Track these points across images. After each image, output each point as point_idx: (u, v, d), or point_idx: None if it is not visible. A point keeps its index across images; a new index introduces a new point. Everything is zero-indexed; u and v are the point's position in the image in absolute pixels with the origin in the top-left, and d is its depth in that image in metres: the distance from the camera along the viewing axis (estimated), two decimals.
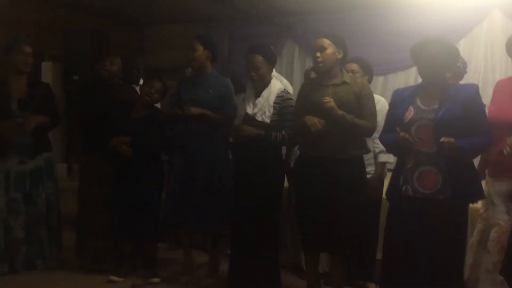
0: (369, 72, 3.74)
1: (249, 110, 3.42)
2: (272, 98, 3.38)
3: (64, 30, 6.77)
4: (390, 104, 2.98)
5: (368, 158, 3.45)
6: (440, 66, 2.74)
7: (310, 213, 3.18)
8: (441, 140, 2.55)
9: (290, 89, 4.25)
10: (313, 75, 3.96)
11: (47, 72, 6.56)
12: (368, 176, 3.43)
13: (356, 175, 3.16)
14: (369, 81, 3.72)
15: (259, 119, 3.36)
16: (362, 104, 3.12)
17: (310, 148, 3.19)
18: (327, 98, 3.06)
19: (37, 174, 3.83)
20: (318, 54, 3.15)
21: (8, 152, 3.71)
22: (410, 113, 2.76)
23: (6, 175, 3.72)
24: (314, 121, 3.06)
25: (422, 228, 2.68)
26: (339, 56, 3.16)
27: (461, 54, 3.24)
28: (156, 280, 3.77)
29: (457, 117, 2.63)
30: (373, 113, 3.17)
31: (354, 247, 3.19)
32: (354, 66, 3.62)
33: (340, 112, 3.04)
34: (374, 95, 3.34)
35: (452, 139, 2.54)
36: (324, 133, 3.06)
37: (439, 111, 2.66)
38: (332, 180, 3.09)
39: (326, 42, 3.14)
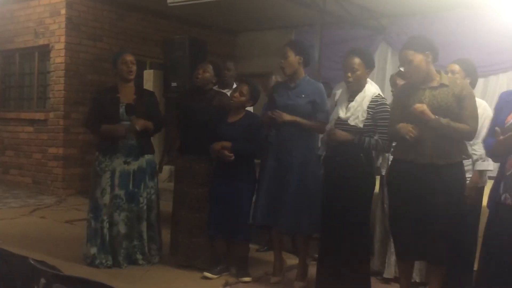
0: (472, 74, 3.55)
1: (342, 114, 3.40)
2: (366, 103, 3.34)
3: (164, 40, 7.18)
4: (495, 108, 2.84)
5: (466, 164, 3.31)
6: None
7: (405, 220, 3.08)
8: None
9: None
10: (399, 81, 3.87)
11: (148, 79, 6.99)
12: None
13: (456, 181, 3.02)
14: (473, 83, 3.54)
15: (352, 123, 3.34)
16: (462, 106, 2.99)
17: (407, 153, 3.08)
18: (418, 104, 2.97)
19: (140, 174, 4.13)
20: (406, 68, 3.10)
21: (115, 153, 4.03)
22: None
23: (112, 173, 4.05)
24: (407, 129, 2.98)
25: None
26: (429, 59, 3.05)
27: None
28: (247, 279, 3.88)
29: None
30: (474, 115, 3.01)
31: (451, 256, 3.06)
32: (455, 67, 3.48)
33: (433, 116, 2.94)
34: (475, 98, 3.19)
35: None
36: (422, 138, 2.97)
37: None
38: (430, 187, 2.98)
39: (409, 53, 3.05)
